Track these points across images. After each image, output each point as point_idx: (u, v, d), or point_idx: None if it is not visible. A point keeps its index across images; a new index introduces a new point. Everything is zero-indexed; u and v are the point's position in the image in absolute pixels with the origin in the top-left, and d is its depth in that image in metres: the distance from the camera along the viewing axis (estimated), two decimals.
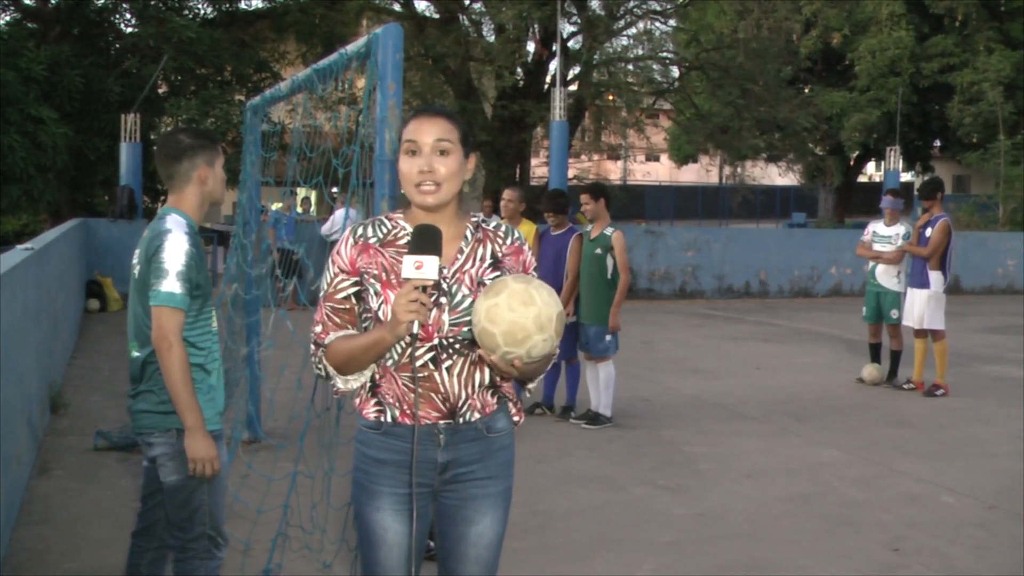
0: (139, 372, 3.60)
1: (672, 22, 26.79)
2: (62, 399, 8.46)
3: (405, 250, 2.71)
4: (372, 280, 2.74)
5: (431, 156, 2.72)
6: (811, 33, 31.06)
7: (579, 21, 24.43)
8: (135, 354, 3.61)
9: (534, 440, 7.81)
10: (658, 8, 25.47)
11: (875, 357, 10.61)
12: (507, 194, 8.99)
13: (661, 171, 56.04)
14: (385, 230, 2.80)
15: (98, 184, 21.18)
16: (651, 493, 6.48)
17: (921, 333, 10.07)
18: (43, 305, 7.82)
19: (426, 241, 2.59)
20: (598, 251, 8.28)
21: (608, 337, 8.26)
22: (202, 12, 22.63)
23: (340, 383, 2.78)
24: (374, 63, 3.62)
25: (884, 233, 10.33)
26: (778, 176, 39.54)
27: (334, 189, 4.93)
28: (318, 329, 2.78)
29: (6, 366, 5.09)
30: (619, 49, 26.06)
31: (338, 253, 2.79)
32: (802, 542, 5.57)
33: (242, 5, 23.65)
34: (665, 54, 26.54)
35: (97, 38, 21.79)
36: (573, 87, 24.30)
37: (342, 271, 2.77)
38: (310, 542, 4.84)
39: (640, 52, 25.71)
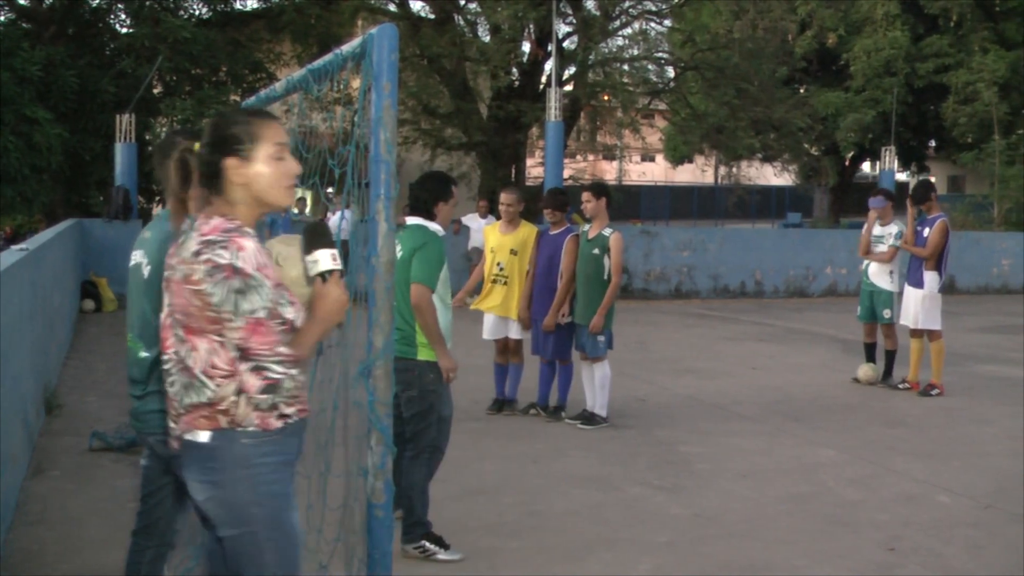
0: (147, 373, 3.58)
1: (667, 22, 26.76)
2: (57, 400, 8.45)
3: (270, 254, 2.83)
4: (282, 290, 2.77)
5: (292, 159, 2.85)
6: (806, 33, 31.07)
7: (574, 21, 24.40)
8: (143, 355, 3.59)
9: (530, 440, 7.81)
10: (653, 8, 25.46)
11: (870, 357, 10.61)
12: (506, 198, 8.68)
13: (656, 171, 56.16)
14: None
15: (93, 185, 21.12)
16: (647, 493, 6.48)
17: (917, 333, 10.08)
18: (38, 306, 7.81)
19: (324, 235, 2.76)
20: (595, 251, 8.25)
21: (601, 337, 8.24)
22: (197, 12, 22.58)
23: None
24: (369, 63, 3.61)
25: (878, 232, 10.33)
26: (773, 176, 39.55)
27: (329, 189, 4.93)
28: (283, 349, 2.73)
29: (1, 367, 5.08)
30: (614, 49, 26.03)
31: (266, 266, 2.74)
32: (798, 542, 5.58)
33: (237, 5, 23.62)
34: (660, 54, 26.53)
35: (92, 38, 21.75)
36: (568, 87, 24.30)
37: (276, 285, 2.75)
38: (306, 542, 4.83)
39: (635, 52, 25.69)
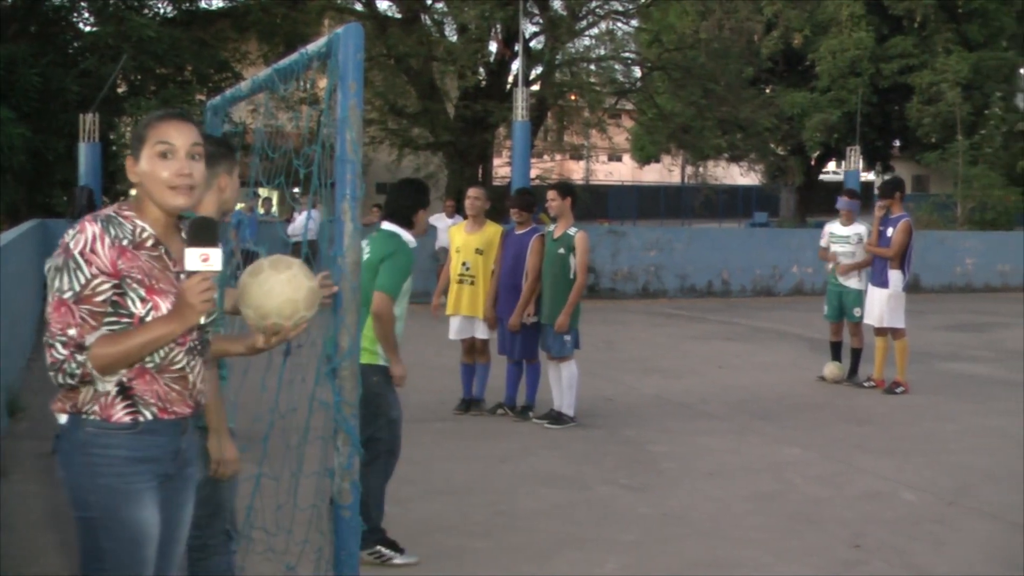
0: None
1: (634, 22, 26.85)
2: (20, 403, 8.36)
3: (155, 253, 2.81)
4: (135, 284, 2.76)
5: (187, 160, 2.81)
6: (772, 34, 31.29)
7: (541, 21, 24.44)
8: None
9: (497, 440, 7.80)
10: (620, 8, 25.53)
11: (836, 355, 10.69)
12: (473, 192, 8.81)
13: (623, 171, 56.27)
14: (128, 230, 2.80)
15: (57, 185, 20.92)
16: (614, 492, 6.50)
17: (881, 331, 10.16)
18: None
19: (206, 233, 2.67)
20: (561, 251, 8.26)
21: (567, 336, 8.24)
22: (162, 11, 22.41)
23: (100, 385, 2.78)
24: (335, 63, 3.60)
25: (841, 233, 10.41)
26: (740, 176, 39.77)
27: (295, 189, 4.91)
28: (73, 332, 2.68)
29: None
30: (581, 49, 26.08)
31: (93, 252, 2.72)
32: (764, 540, 5.61)
33: (203, 4, 23.46)
34: (627, 54, 26.60)
35: (55, 36, 21.52)
36: (536, 87, 24.31)
37: (102, 273, 2.72)
38: (274, 544, 4.81)
39: (602, 52, 25.74)
